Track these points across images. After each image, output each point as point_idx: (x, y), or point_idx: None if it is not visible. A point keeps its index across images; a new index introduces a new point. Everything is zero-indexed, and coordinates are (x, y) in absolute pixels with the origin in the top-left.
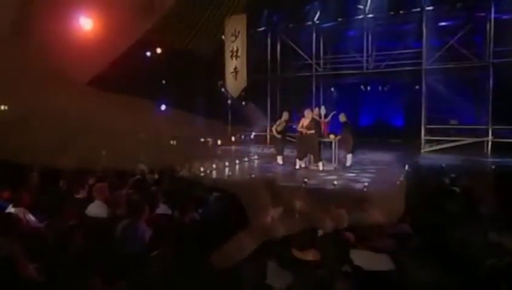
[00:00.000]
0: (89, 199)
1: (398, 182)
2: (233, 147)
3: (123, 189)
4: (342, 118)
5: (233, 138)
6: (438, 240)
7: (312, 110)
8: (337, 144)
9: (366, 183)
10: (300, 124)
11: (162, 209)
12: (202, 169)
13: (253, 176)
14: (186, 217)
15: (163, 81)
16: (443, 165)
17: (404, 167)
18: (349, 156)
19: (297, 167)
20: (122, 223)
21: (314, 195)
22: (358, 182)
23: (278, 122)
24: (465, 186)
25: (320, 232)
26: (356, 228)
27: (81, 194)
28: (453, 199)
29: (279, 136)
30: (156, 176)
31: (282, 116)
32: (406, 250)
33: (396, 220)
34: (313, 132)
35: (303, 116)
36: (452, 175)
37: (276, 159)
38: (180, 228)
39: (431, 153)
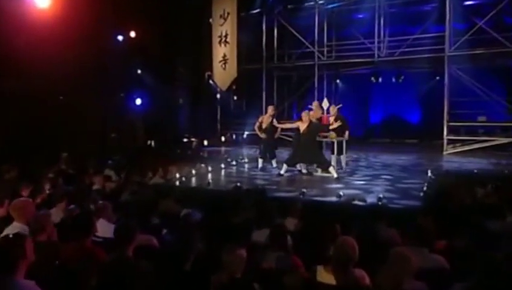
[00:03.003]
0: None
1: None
2: (222, 148)
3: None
4: (332, 109)
5: (222, 138)
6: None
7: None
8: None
9: (381, 195)
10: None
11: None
12: (178, 175)
13: (238, 184)
14: (129, 249)
15: (138, 71)
16: (475, 170)
17: (426, 173)
18: (342, 157)
19: (282, 172)
20: None
21: (314, 210)
22: (370, 192)
23: (260, 119)
24: (508, 199)
25: (317, 270)
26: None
27: None
28: (497, 217)
29: (263, 135)
30: (117, 184)
31: (268, 110)
32: None
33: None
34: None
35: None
36: (494, 185)
37: (271, 164)
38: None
39: (455, 155)
